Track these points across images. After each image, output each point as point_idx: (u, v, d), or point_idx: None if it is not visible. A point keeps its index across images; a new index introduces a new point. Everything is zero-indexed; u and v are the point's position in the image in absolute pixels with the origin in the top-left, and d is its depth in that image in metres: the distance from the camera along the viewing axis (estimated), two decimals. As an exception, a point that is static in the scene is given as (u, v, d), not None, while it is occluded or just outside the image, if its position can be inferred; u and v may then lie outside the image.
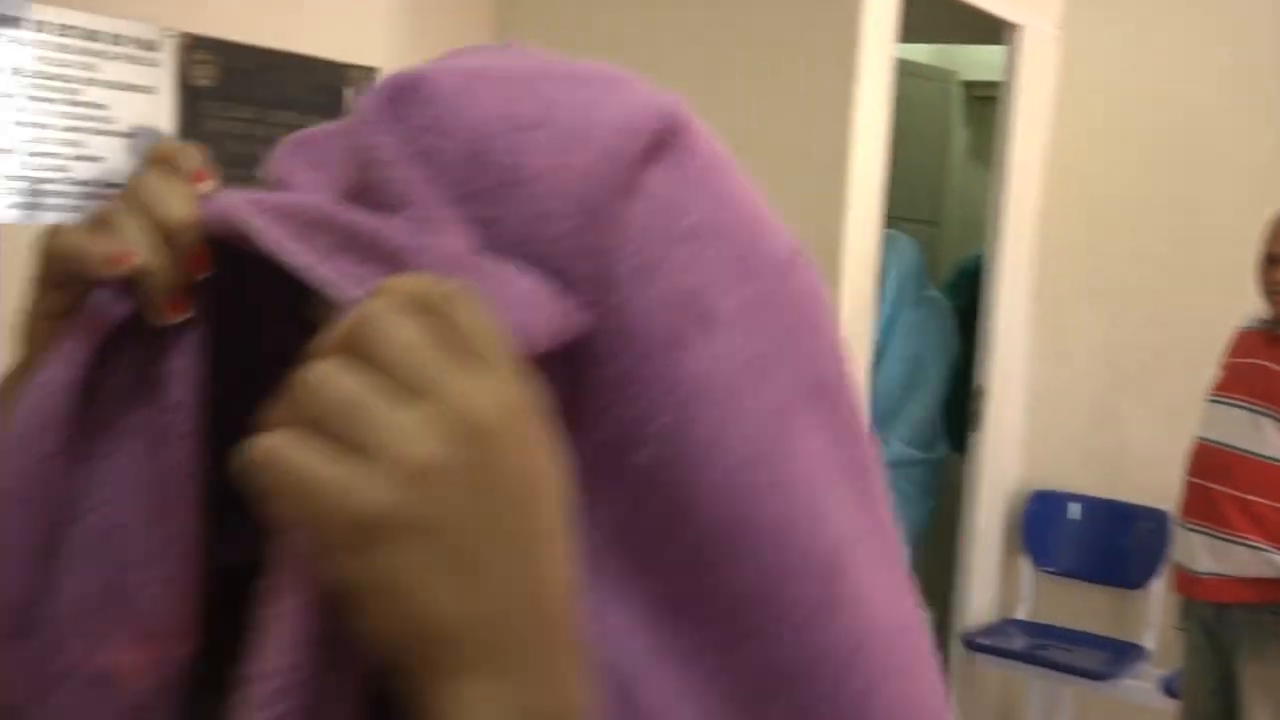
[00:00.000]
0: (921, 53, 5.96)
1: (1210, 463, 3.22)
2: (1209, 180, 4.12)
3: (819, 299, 0.60)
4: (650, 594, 0.50)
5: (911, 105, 5.61)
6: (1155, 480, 3.38)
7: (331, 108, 3.48)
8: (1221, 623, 3.22)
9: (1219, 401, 3.27)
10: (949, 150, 5.84)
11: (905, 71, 5.54)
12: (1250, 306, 3.35)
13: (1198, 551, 3.21)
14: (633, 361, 0.50)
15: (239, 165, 3.20)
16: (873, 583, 0.55)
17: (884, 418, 3.94)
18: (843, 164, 3.31)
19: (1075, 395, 4.24)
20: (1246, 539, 3.12)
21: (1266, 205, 3.43)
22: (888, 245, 3.95)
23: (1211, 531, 3.18)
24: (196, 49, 3.14)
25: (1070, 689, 4.08)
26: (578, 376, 0.50)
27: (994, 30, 4.25)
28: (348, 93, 3.53)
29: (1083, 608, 4.25)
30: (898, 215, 5.46)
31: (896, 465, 3.97)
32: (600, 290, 0.50)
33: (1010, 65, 4.22)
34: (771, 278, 0.57)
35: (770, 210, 0.63)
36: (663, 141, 0.55)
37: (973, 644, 4.06)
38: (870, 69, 3.35)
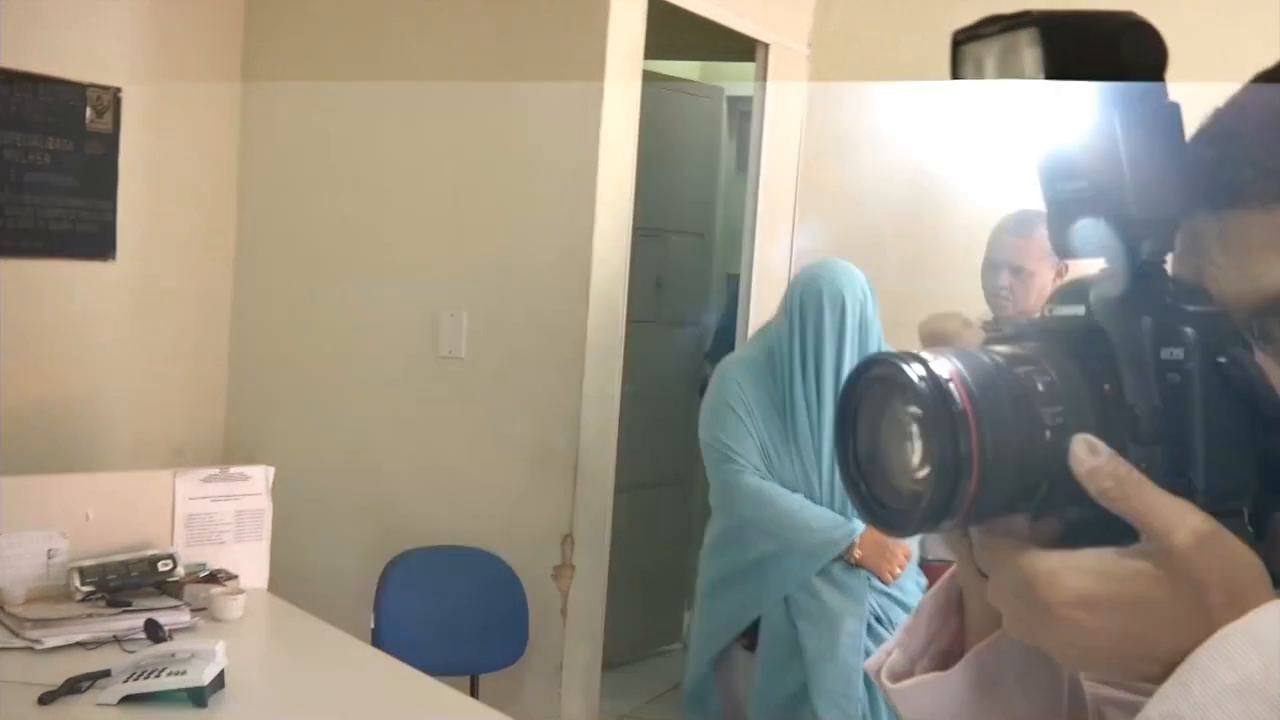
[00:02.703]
0: (694, 70, 6.11)
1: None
2: (951, 200, 4.32)
3: None
4: None
5: (682, 121, 5.77)
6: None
7: (70, 129, 3.43)
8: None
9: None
10: (718, 164, 5.99)
11: (674, 88, 5.71)
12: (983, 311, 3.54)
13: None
14: None
15: (-34, 188, 3.15)
16: None
17: None
18: (591, 175, 3.40)
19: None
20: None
21: (996, 216, 3.62)
22: (836, 272, 3.12)
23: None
24: (-83, 69, 3.07)
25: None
26: None
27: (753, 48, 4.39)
28: (88, 113, 3.48)
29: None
30: (670, 228, 5.61)
31: None
32: None
33: (758, 82, 4.36)
34: None
35: None
36: None
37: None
38: (617, 83, 3.44)
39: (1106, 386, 0.66)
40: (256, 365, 3.97)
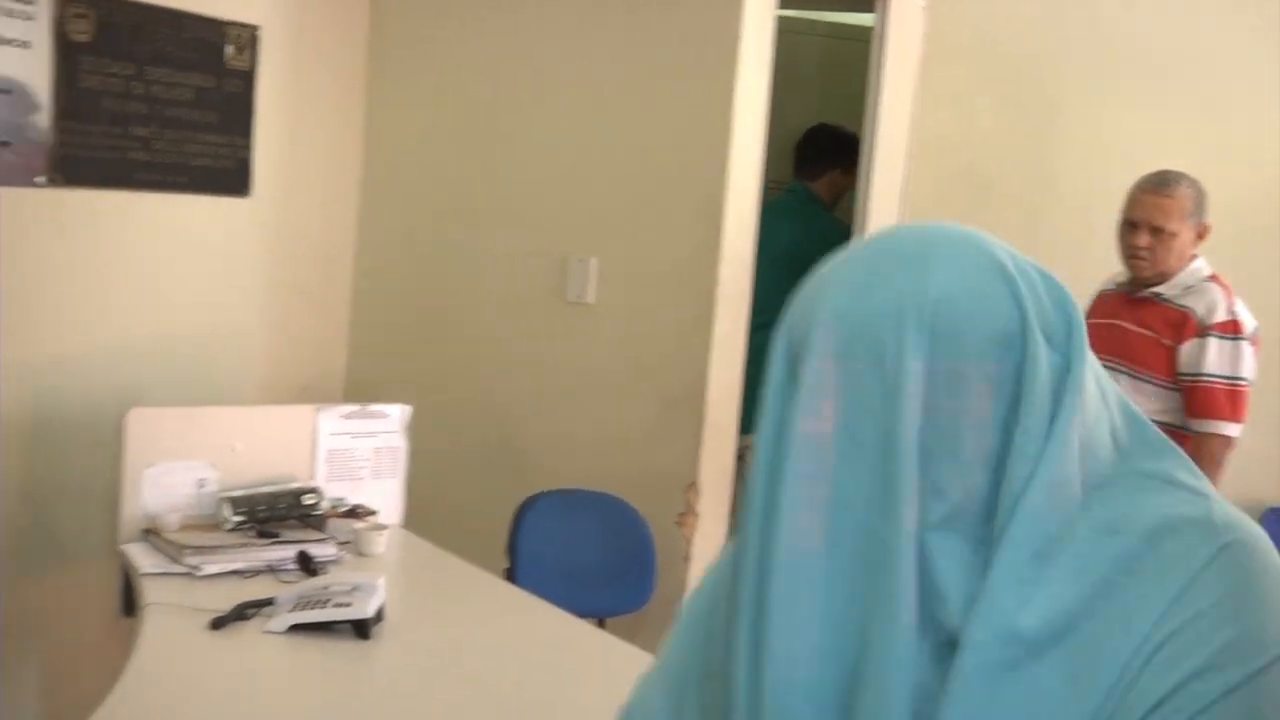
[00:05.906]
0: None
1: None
2: (1060, 150, 4.28)
3: None
4: None
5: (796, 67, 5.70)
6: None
7: (210, 65, 3.46)
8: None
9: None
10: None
11: (793, 30, 5.63)
12: (1103, 269, 3.53)
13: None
14: None
15: (116, 123, 3.17)
16: None
17: None
18: (726, 125, 3.38)
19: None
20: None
21: (1112, 173, 3.60)
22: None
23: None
24: (73, 3, 3.09)
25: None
26: None
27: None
28: (227, 50, 3.50)
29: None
30: (774, 178, 5.56)
31: None
32: None
33: (877, 32, 4.31)
34: None
35: None
36: None
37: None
38: (753, 31, 3.41)
39: None
40: (379, 306, 4.00)
